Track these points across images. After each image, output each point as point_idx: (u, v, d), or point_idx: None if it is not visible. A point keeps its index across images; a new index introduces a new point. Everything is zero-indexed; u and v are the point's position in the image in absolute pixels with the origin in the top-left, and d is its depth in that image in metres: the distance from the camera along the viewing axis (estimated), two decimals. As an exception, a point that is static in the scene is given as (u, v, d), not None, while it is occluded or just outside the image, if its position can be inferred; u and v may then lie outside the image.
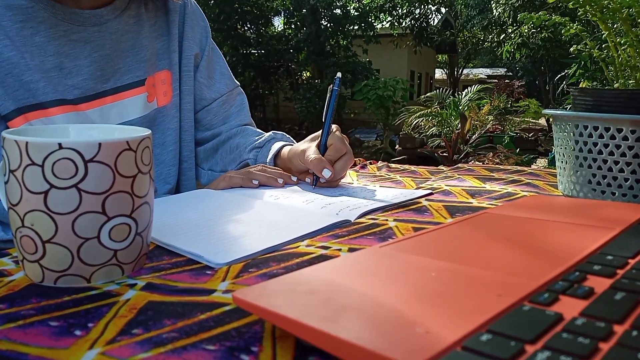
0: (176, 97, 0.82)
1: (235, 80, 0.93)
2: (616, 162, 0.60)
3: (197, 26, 0.86)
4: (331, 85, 0.73)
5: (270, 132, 0.86)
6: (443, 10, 16.17)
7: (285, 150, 0.77)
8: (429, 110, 7.49)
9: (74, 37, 0.70)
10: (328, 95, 0.74)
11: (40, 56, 0.67)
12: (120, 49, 0.75)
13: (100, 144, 0.35)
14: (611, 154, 0.60)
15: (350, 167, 0.95)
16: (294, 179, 0.73)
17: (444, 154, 6.28)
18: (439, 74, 22.55)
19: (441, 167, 1.00)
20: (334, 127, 0.73)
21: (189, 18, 0.84)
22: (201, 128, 0.88)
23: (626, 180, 0.60)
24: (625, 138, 0.59)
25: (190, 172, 0.86)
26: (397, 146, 8.05)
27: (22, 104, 0.66)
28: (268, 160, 0.78)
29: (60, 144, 0.34)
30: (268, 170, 0.73)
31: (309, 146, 0.72)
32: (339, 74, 0.75)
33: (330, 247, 0.46)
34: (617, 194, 0.61)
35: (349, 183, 0.78)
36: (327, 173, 0.67)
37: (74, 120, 0.69)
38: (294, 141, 0.84)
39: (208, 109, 0.87)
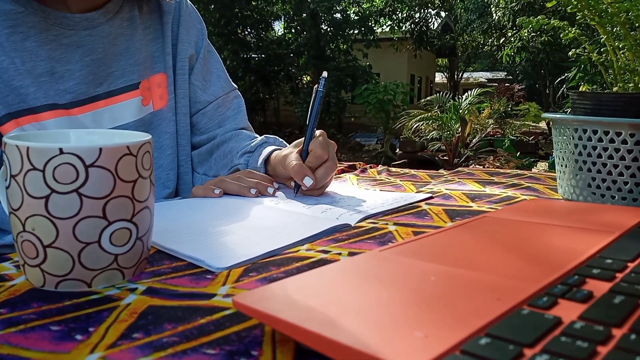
0: (172, 100, 0.82)
1: (233, 83, 0.92)
2: (615, 166, 0.60)
3: (192, 28, 0.85)
4: (316, 85, 0.70)
5: (263, 136, 0.83)
6: (443, 14, 16.19)
7: (273, 155, 0.75)
8: (429, 114, 7.48)
9: (65, 41, 0.69)
10: (313, 96, 0.69)
11: (31, 61, 0.67)
12: (113, 53, 0.74)
13: (101, 149, 0.35)
14: (610, 157, 0.60)
15: (351, 171, 0.96)
16: (270, 190, 0.68)
17: (445, 158, 6.28)
18: (439, 77, 22.57)
19: (441, 170, 1.00)
20: (318, 132, 0.70)
21: (184, 20, 0.83)
22: (197, 132, 0.87)
23: (625, 183, 0.60)
24: (624, 142, 0.59)
25: (187, 176, 0.85)
26: (398, 150, 8.05)
27: (13, 109, 0.66)
28: (258, 165, 0.75)
29: (61, 149, 0.34)
30: (244, 179, 0.69)
31: (291, 152, 0.69)
32: (324, 73, 0.70)
33: (330, 251, 0.46)
34: (616, 198, 0.61)
35: (349, 187, 0.78)
36: (308, 181, 0.64)
37: (65, 124, 0.69)
38: (287, 145, 0.83)
39: (203, 112, 0.86)
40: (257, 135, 0.87)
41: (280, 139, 0.85)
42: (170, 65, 0.81)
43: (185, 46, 0.83)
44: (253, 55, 12.70)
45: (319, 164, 0.67)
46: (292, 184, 0.69)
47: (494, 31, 13.92)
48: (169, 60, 0.81)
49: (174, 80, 0.82)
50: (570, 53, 0.75)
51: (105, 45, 0.73)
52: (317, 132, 0.70)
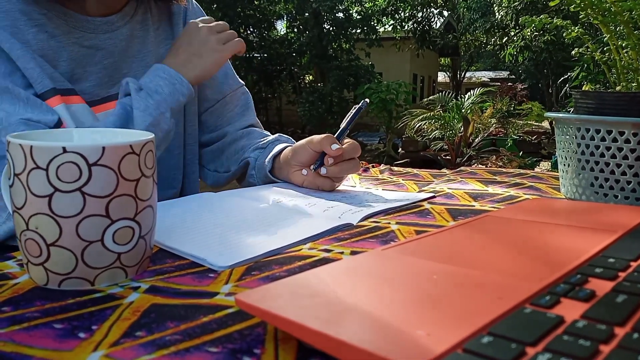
0: None
1: (240, 80, 0.93)
2: (618, 165, 0.60)
3: None
4: (357, 105, 0.75)
5: (276, 135, 0.86)
6: (445, 13, 16.16)
7: (287, 150, 0.76)
8: (432, 113, 7.47)
9: (86, 44, 0.71)
10: (353, 110, 0.74)
11: (53, 61, 0.68)
12: (128, 55, 0.76)
13: (104, 148, 0.35)
14: (613, 156, 0.60)
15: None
16: None
17: (447, 157, 6.27)
18: (442, 77, 22.55)
19: (444, 170, 1.00)
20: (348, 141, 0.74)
21: (191, 20, 0.84)
22: (206, 129, 0.88)
23: (628, 183, 0.60)
24: (627, 141, 0.59)
25: (193, 175, 0.86)
26: (400, 149, 8.04)
27: (58, 85, 0.67)
28: (267, 160, 0.77)
29: (64, 148, 0.34)
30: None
31: (313, 136, 0.72)
32: (367, 100, 0.76)
33: (332, 250, 0.46)
34: (619, 197, 0.61)
35: (352, 186, 0.78)
36: (335, 147, 0.67)
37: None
38: None
39: (211, 110, 0.88)
40: (268, 133, 0.89)
41: (292, 139, 0.86)
42: None
43: None
44: (255, 55, 12.70)
45: (349, 157, 0.70)
46: (304, 170, 0.71)
47: (496, 30, 13.89)
48: None
49: None
50: (573, 52, 0.75)
51: (121, 48, 0.75)
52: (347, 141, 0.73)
